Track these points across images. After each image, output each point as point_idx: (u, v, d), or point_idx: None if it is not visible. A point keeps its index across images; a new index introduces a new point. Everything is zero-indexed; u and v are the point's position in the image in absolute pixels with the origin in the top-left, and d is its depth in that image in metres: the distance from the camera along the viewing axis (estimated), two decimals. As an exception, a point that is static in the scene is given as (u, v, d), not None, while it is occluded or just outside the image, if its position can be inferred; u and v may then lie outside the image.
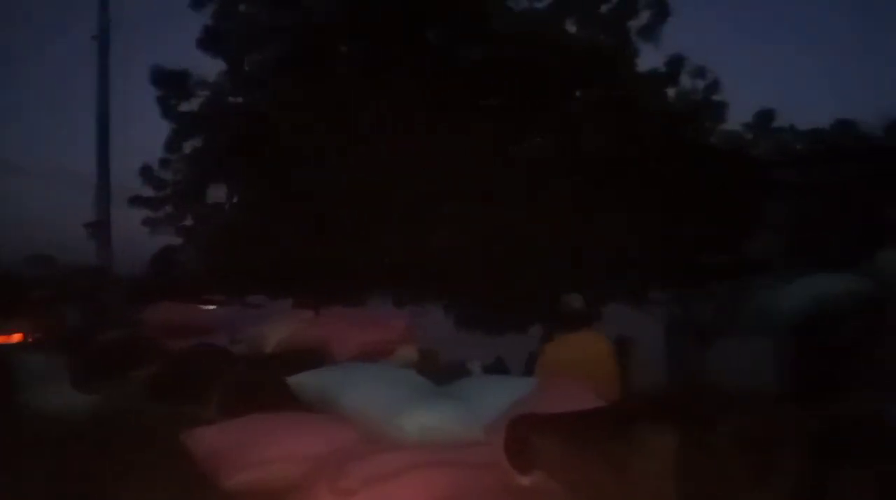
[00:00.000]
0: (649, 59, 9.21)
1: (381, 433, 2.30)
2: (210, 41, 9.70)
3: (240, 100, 10.65)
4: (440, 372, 3.83)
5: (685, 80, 9.33)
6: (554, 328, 4.60)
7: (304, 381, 2.81)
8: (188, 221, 11.19)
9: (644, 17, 9.40)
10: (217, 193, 11.13)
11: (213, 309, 8.07)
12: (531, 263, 6.85)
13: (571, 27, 9.44)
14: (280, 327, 4.94)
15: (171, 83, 10.79)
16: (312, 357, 4.26)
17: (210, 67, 10.44)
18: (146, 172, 11.21)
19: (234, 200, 10.63)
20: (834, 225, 6.85)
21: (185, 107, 11.01)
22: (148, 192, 11.17)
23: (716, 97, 9.42)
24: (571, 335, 4.26)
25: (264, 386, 3.43)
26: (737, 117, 9.51)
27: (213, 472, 2.31)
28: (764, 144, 9.49)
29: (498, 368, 6.73)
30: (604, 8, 9.52)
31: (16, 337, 7.83)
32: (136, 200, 11.13)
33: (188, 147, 11.25)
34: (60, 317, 8.86)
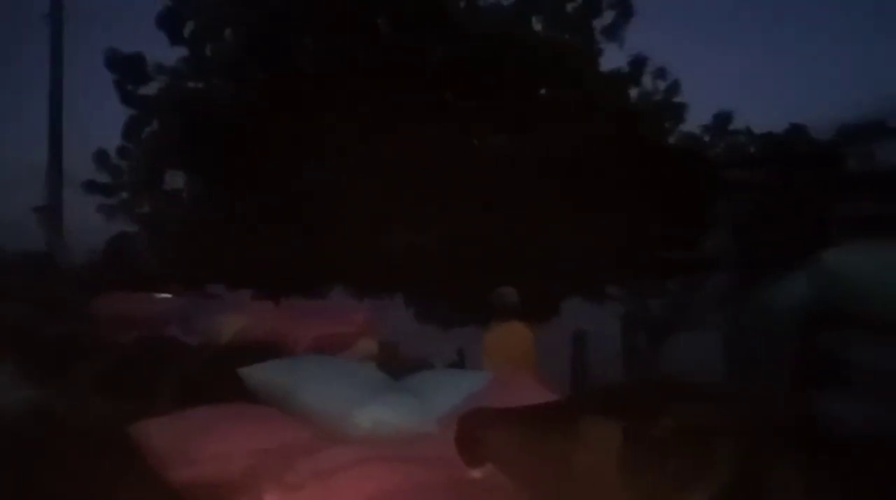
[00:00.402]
0: (612, 59, 9.36)
1: (333, 427, 2.29)
2: (168, 24, 9.44)
3: (200, 86, 10.40)
4: (400, 366, 3.83)
5: (647, 81, 9.52)
6: (490, 319, 4.86)
7: (255, 373, 2.77)
8: (144, 209, 10.91)
9: (608, 16, 9.54)
10: (175, 181, 10.88)
11: (166, 299, 7.88)
12: (490, 257, 6.90)
13: (536, 26, 9.51)
14: (236, 318, 4.85)
15: (127, 67, 10.47)
16: (268, 349, 4.20)
17: (169, 52, 10.18)
18: (101, 158, 10.88)
19: (193, 188, 10.41)
20: (784, 225, 7.09)
21: (142, 91, 10.71)
22: (103, 177, 10.85)
23: (676, 99, 9.64)
24: (500, 326, 4.59)
25: (215, 378, 3.37)
26: (695, 119, 9.76)
27: (160, 467, 2.26)
28: (720, 145, 9.74)
29: (460, 362, 6.78)
30: (569, 7, 9.62)
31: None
32: (90, 186, 10.80)
33: (145, 133, 10.95)
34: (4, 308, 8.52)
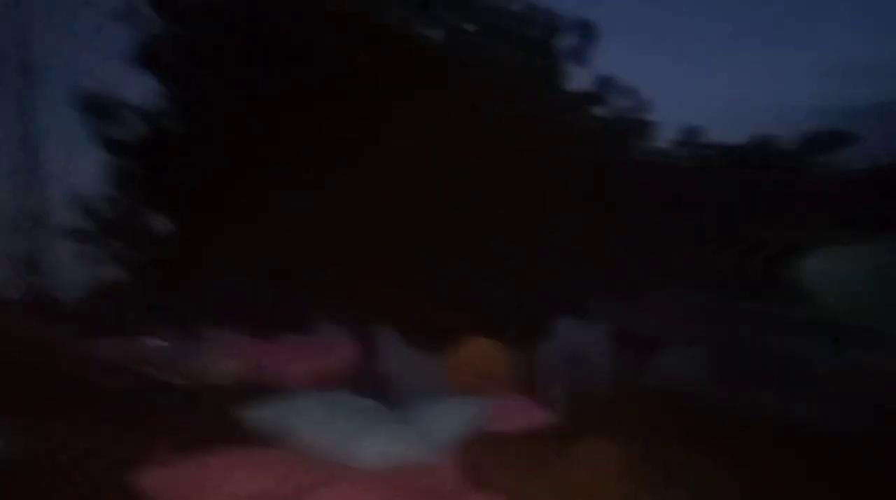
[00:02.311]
0: (575, 78, 9.58)
1: (338, 462, 2.36)
2: (139, 60, 9.43)
3: (173, 125, 10.39)
4: (395, 395, 3.92)
5: (610, 99, 9.73)
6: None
7: (254, 414, 2.84)
8: (129, 253, 10.80)
9: (571, 39, 9.79)
10: (156, 224, 10.80)
11: (155, 343, 7.85)
12: (472, 279, 6.97)
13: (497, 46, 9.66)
14: (225, 359, 4.90)
15: (97, 109, 10.40)
16: (262, 388, 4.26)
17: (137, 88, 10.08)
18: (81, 204, 10.77)
19: (173, 230, 10.35)
20: (758, 237, 7.30)
21: (115, 133, 10.65)
22: (86, 224, 10.74)
23: (639, 115, 9.87)
24: (470, 342, 4.72)
25: (211, 420, 3.42)
26: (662, 133, 10.00)
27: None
28: (685, 159, 9.98)
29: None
30: (532, 31, 9.87)
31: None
32: (71, 233, 10.69)
33: (121, 175, 10.87)
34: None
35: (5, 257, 10.15)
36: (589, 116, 9.37)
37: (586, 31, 9.78)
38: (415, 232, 7.10)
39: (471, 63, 8.49)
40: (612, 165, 8.52)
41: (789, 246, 6.37)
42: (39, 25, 10.71)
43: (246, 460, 2.43)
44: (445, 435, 2.45)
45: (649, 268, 7.10)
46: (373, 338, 5.64)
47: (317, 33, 8.07)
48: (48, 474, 3.79)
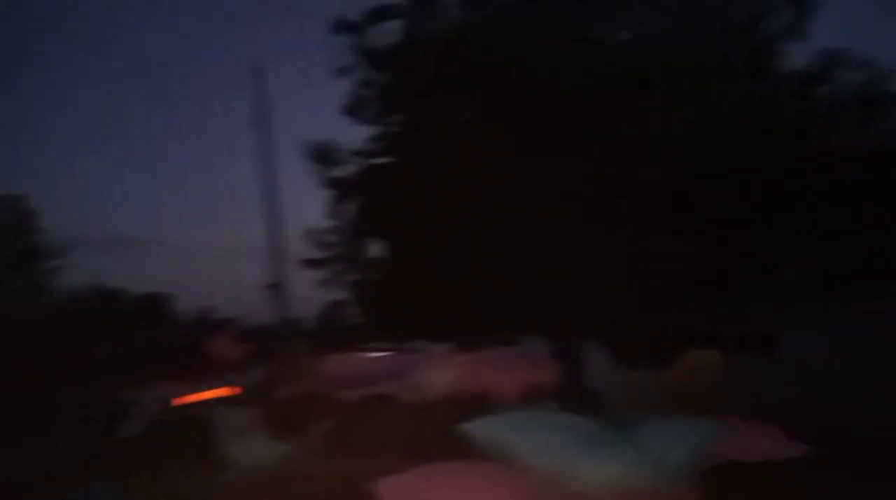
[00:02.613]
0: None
1: (559, 484, 2.31)
2: (352, 109, 10.52)
3: (382, 161, 11.40)
4: (606, 414, 3.77)
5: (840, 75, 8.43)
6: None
7: (477, 429, 2.92)
8: (351, 278, 12.07)
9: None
10: (374, 250, 11.93)
11: (379, 357, 8.58)
12: (689, 291, 6.47)
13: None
14: (442, 372, 5.15)
15: (320, 154, 11.87)
16: (478, 401, 4.39)
17: (356, 134, 11.28)
18: (312, 237, 12.33)
19: (389, 254, 11.29)
20: None
21: (337, 173, 12.03)
22: (316, 254, 12.25)
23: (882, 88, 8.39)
24: (692, 357, 4.28)
25: (437, 434, 3.60)
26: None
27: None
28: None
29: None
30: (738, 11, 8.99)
31: (221, 392, 8.88)
32: (306, 263, 12.27)
33: (344, 210, 12.21)
34: (252, 373, 9.91)
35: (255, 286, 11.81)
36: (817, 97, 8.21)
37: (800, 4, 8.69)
38: (637, 244, 6.79)
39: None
40: (848, 154, 7.37)
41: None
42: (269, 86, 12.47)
43: (472, 473, 2.49)
44: (678, 461, 2.25)
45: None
46: (582, 353, 5.50)
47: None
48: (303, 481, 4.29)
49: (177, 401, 8.59)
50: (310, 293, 11.73)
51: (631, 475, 2.21)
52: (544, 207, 7.47)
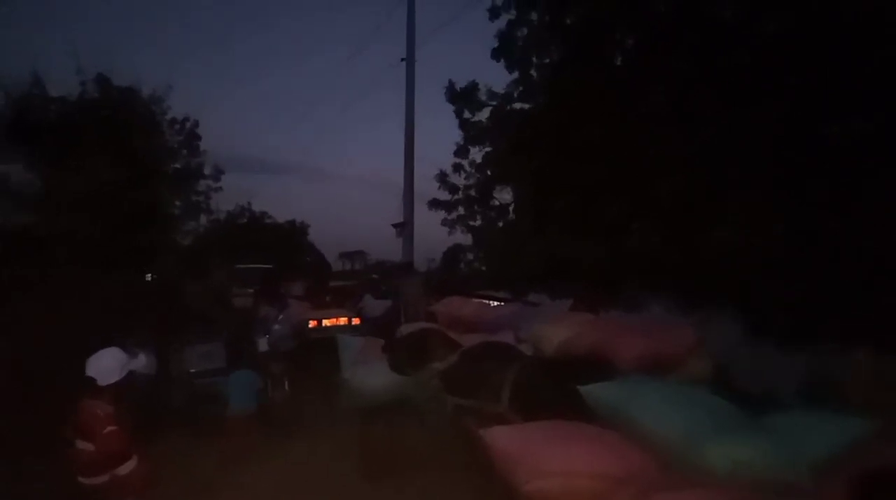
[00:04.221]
0: None
1: (680, 461, 2.11)
2: (501, 50, 10.26)
3: (524, 106, 11.10)
4: (743, 396, 3.43)
5: None
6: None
7: (596, 392, 2.75)
8: (477, 222, 12.11)
9: None
10: (502, 196, 11.82)
11: (498, 306, 8.56)
12: (844, 260, 5.64)
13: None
14: (562, 328, 4.96)
15: (462, 96, 11.78)
16: (597, 363, 4.19)
17: (501, 78, 11.08)
18: (442, 178, 12.45)
19: (517, 201, 11.12)
20: None
21: (476, 117, 11.93)
22: (444, 195, 12.39)
23: None
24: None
25: (554, 390, 3.48)
26: None
27: (508, 472, 2.39)
28: None
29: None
30: None
31: (342, 320, 9.40)
32: (433, 203, 12.45)
33: (476, 154, 12.16)
34: (374, 306, 10.34)
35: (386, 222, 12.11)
36: None
37: None
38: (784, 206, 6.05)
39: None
40: None
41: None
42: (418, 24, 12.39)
43: (592, 438, 2.34)
44: (824, 454, 1.97)
45: None
46: (719, 325, 5.05)
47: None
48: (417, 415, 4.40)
49: (313, 323, 9.23)
50: (437, 235, 11.91)
51: (760, 463, 1.97)
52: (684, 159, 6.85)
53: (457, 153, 12.47)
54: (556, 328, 5.05)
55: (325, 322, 9.34)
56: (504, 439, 2.47)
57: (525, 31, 9.94)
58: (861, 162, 5.57)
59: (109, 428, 3.47)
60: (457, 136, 12.37)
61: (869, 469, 1.79)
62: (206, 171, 18.84)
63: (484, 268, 13.14)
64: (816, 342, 4.04)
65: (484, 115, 11.83)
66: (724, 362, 4.53)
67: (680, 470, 2.13)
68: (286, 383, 7.48)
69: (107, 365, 3.63)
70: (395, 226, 10.50)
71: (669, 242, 7.00)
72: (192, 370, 7.18)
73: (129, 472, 3.67)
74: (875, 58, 5.50)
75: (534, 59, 10.21)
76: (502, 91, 11.33)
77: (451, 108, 12.05)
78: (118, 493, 3.66)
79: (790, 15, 6.13)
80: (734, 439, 2.10)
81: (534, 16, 9.84)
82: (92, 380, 3.60)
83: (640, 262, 7.39)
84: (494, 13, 10.15)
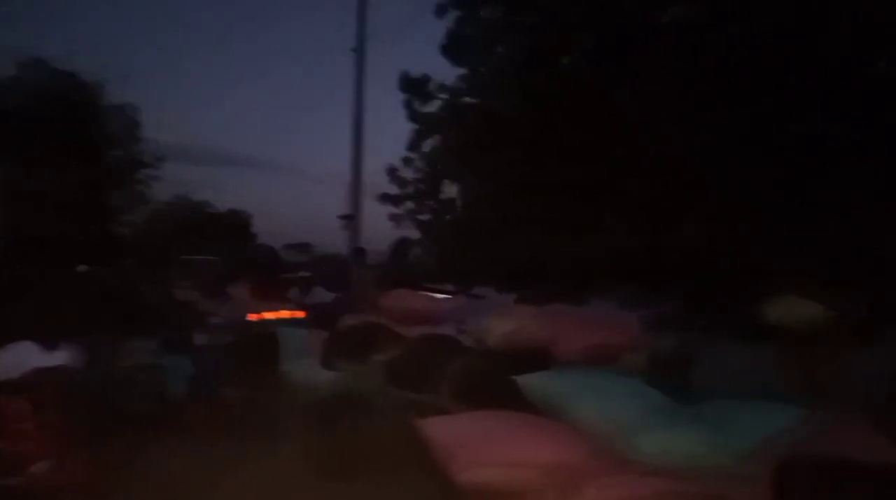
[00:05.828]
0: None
1: (614, 450, 2.14)
2: (451, 47, 10.24)
3: (475, 101, 11.11)
4: (678, 386, 3.50)
5: None
6: None
7: (535, 382, 2.76)
8: (425, 216, 12.08)
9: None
10: (450, 190, 11.82)
11: (443, 298, 8.54)
12: (794, 257, 5.86)
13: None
14: (505, 321, 4.98)
15: (414, 87, 11.72)
16: (537, 355, 4.21)
17: (451, 72, 11.05)
18: (392, 172, 12.37)
19: (466, 196, 11.15)
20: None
21: (425, 109, 11.87)
22: (393, 189, 12.33)
23: None
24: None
25: (493, 381, 3.48)
26: None
27: (446, 463, 2.36)
28: None
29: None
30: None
31: (281, 314, 9.18)
32: (383, 197, 12.38)
33: (427, 147, 12.10)
34: (317, 299, 10.16)
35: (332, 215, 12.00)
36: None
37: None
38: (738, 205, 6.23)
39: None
40: None
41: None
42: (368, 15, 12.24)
43: (530, 428, 2.34)
44: (753, 442, 2.02)
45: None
46: (653, 317, 5.16)
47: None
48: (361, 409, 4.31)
49: (252, 316, 8.97)
50: (384, 228, 11.83)
51: (691, 453, 2.01)
52: (641, 157, 7.02)
53: (408, 146, 12.41)
54: (500, 321, 5.05)
55: (268, 315, 9.11)
56: (441, 430, 2.44)
57: (475, 28, 9.95)
58: (818, 162, 5.80)
59: (18, 425, 3.26)
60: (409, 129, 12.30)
61: (799, 456, 1.84)
62: (146, 159, 18.18)
63: (432, 262, 13.14)
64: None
65: (434, 107, 11.80)
66: (661, 354, 4.61)
67: (614, 458, 2.15)
68: (224, 377, 7.26)
69: (14, 359, 3.42)
70: (341, 218, 10.36)
71: (637, 239, 7.13)
72: (128, 364, 6.88)
73: (51, 474, 3.46)
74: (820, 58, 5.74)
75: (485, 56, 10.23)
76: (451, 84, 11.32)
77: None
78: (42, 497, 3.45)
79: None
80: (666, 428, 2.13)
81: (483, 13, 9.85)
82: None
83: (610, 259, 7.50)
84: (441, 10, 10.12)
